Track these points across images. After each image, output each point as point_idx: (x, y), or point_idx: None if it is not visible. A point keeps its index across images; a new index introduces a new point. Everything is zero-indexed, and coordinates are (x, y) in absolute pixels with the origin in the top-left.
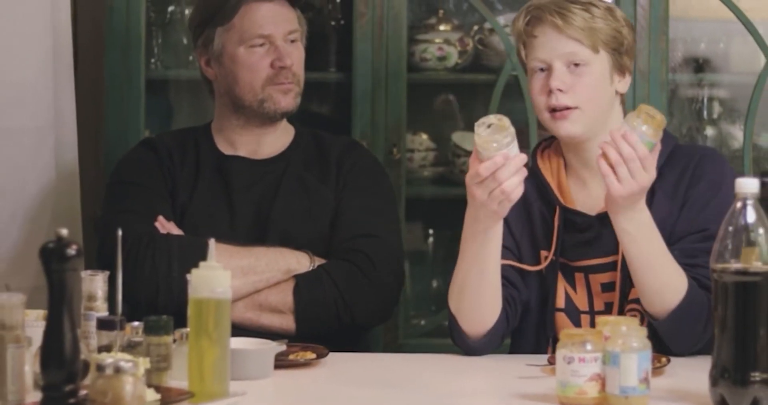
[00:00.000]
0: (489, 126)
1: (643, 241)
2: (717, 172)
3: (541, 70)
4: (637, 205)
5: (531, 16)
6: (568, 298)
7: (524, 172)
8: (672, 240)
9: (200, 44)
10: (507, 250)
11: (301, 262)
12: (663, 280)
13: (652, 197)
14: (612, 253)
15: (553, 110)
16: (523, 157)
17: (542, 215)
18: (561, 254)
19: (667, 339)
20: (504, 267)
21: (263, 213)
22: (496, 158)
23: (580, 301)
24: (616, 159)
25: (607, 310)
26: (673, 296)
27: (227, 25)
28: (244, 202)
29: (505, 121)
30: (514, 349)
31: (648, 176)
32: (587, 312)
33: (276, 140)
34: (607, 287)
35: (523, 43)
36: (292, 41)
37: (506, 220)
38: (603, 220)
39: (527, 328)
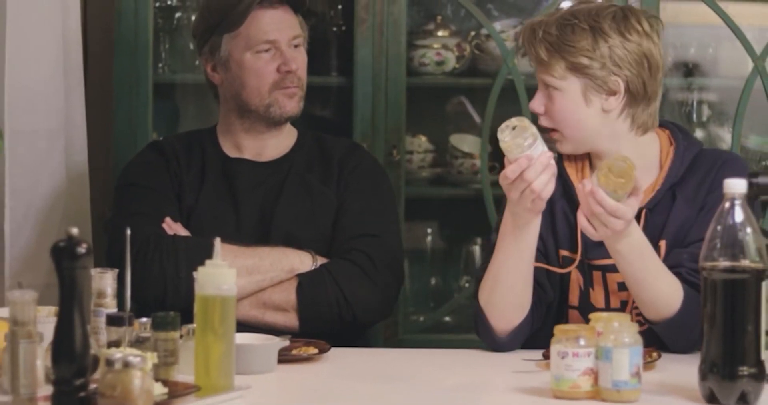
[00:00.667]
0: (513, 128)
1: (635, 261)
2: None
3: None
4: (623, 232)
5: (522, 49)
6: (583, 295)
7: (553, 169)
8: (686, 243)
9: (206, 51)
10: (537, 252)
11: (303, 261)
12: (655, 294)
13: (672, 202)
14: None
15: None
16: (549, 155)
17: (564, 214)
18: (582, 253)
19: (665, 340)
20: (534, 269)
21: (267, 214)
22: (520, 160)
23: (597, 298)
24: (587, 212)
25: (623, 308)
26: (666, 307)
27: (234, 33)
28: (249, 203)
29: (526, 122)
30: (526, 345)
31: (621, 221)
32: (603, 310)
33: (280, 143)
34: (624, 286)
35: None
36: (296, 46)
37: None
38: None
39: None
